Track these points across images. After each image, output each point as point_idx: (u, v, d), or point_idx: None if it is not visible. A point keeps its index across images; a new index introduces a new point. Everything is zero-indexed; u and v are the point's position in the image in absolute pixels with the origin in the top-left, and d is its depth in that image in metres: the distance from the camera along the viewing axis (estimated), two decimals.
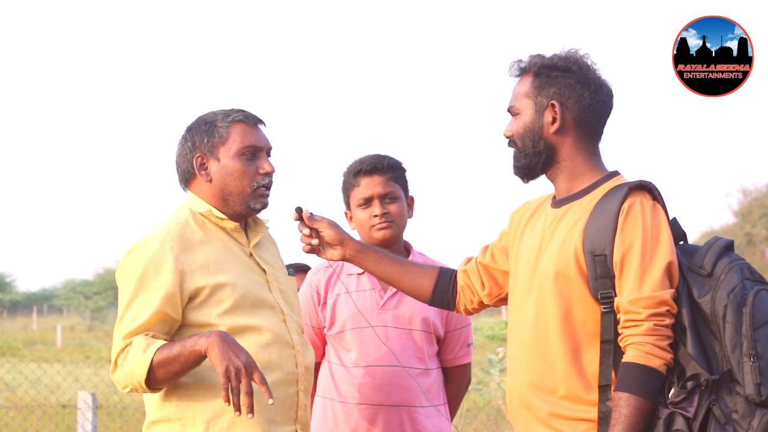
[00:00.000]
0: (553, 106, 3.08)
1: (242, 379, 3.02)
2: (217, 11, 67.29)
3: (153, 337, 3.16)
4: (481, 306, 3.38)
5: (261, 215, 3.44)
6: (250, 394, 3.03)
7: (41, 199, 73.82)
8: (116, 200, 72.47)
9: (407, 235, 4.06)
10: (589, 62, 3.12)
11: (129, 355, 3.13)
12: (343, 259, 3.41)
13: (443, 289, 3.38)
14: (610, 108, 3.14)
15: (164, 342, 3.13)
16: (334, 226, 3.39)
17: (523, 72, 3.15)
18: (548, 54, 3.13)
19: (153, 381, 3.12)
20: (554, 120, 3.09)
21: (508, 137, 3.16)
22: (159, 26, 69.14)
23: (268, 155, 3.38)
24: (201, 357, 3.09)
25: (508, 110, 3.17)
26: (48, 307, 49.78)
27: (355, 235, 3.88)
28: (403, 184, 4.02)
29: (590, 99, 3.08)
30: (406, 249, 4.05)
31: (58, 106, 71.72)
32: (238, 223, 3.36)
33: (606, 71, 3.13)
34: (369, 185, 3.95)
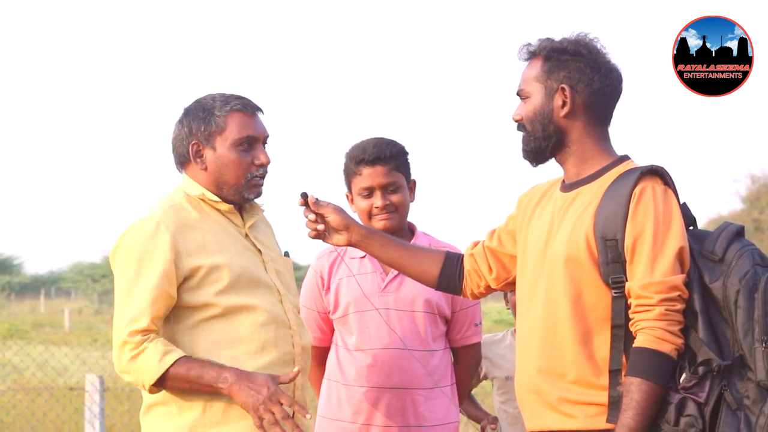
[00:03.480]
0: (563, 89, 3.06)
1: (273, 408, 3.11)
2: None
3: (159, 332, 3.20)
4: (488, 290, 3.37)
5: (256, 200, 3.43)
6: (287, 418, 3.14)
7: (48, 181, 74.05)
8: (124, 183, 72.63)
9: (412, 217, 4.05)
10: (598, 46, 3.10)
11: (143, 354, 3.16)
12: (349, 244, 3.39)
13: (450, 273, 3.37)
14: (620, 92, 3.12)
15: (183, 354, 3.16)
16: (339, 211, 3.38)
17: (532, 55, 3.13)
18: (558, 38, 3.11)
19: (159, 387, 3.19)
20: (564, 104, 3.07)
21: (517, 121, 3.15)
22: (162, 8, 69.12)
23: (265, 144, 3.37)
24: (218, 391, 3.17)
25: (518, 94, 3.15)
26: (56, 289, 49.89)
27: (358, 219, 3.86)
28: (406, 170, 3.99)
29: (600, 83, 3.07)
30: (410, 230, 4.04)
31: (64, 92, 71.83)
32: (232, 205, 3.36)
33: (615, 55, 3.12)
34: (371, 175, 3.92)
